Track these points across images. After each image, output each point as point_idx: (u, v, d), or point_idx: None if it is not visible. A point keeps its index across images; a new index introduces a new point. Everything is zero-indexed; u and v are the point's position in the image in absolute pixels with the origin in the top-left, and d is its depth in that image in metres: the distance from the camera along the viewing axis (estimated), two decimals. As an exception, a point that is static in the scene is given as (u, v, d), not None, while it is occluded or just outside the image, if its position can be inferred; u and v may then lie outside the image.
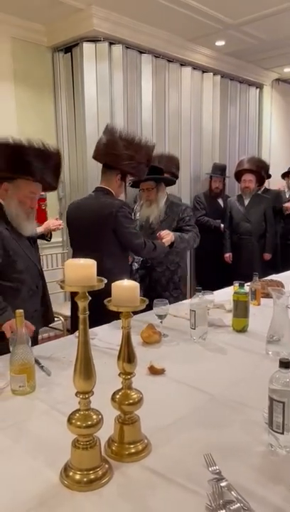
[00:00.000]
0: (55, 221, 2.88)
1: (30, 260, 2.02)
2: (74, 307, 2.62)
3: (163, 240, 2.53)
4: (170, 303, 2.17)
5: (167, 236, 2.55)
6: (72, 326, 2.59)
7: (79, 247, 2.49)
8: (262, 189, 4.89)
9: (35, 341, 2.04)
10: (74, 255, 2.50)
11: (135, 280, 2.83)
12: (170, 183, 3.04)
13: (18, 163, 1.89)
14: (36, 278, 2.07)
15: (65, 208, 4.37)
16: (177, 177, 4.33)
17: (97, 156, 2.52)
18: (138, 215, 2.89)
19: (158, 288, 2.84)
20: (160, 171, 2.83)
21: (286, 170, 5.06)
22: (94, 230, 2.36)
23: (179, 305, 2.41)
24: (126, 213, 2.38)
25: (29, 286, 2.01)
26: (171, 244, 2.57)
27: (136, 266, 2.89)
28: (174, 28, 4.20)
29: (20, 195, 1.95)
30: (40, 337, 3.53)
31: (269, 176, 4.84)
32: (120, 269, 2.30)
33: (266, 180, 4.88)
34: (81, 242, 2.46)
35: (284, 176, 5.01)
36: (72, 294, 2.31)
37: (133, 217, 2.56)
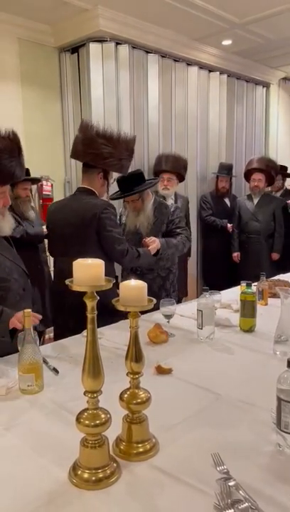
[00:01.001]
0: None
1: (11, 263, 1.87)
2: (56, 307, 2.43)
3: (149, 248, 2.43)
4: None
5: (153, 243, 2.45)
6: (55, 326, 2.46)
7: (61, 252, 2.35)
8: (282, 191, 4.90)
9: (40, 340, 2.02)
10: (57, 261, 2.41)
11: None
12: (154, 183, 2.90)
13: None
14: (22, 280, 1.91)
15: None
16: (183, 178, 4.34)
17: (75, 155, 2.42)
18: (123, 219, 2.77)
19: (150, 295, 2.71)
20: (140, 175, 2.66)
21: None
22: (77, 233, 2.24)
23: (186, 305, 2.41)
24: (110, 215, 2.26)
25: (15, 291, 1.85)
26: (157, 252, 2.46)
27: (118, 280, 2.68)
28: (180, 28, 4.20)
29: None
30: (47, 336, 3.57)
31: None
32: (106, 273, 2.18)
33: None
34: (64, 246, 2.30)
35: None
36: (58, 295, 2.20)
37: (117, 220, 2.47)
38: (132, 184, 2.57)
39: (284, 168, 5.01)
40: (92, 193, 2.33)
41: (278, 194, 4.91)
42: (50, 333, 3.84)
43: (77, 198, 2.35)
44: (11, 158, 1.73)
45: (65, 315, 2.24)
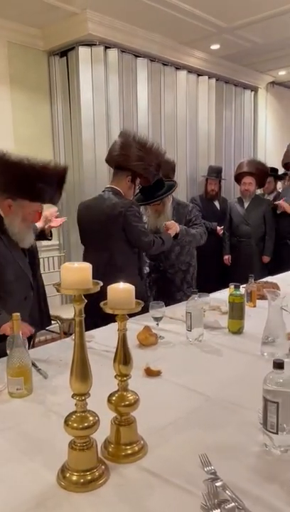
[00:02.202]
0: (51, 211, 2.78)
1: (21, 270, 1.96)
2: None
3: (169, 231, 2.64)
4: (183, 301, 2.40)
5: (172, 227, 2.67)
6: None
7: (90, 245, 2.59)
8: (276, 192, 4.94)
9: (30, 344, 2.03)
10: (86, 253, 2.66)
11: (147, 284, 2.90)
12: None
13: (25, 186, 1.84)
14: (26, 289, 2.00)
15: (61, 211, 4.37)
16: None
17: (109, 158, 2.61)
18: (145, 220, 2.89)
19: (173, 289, 2.97)
20: (160, 181, 2.83)
21: (281, 172, 5.09)
22: (104, 229, 2.44)
23: (175, 307, 2.43)
24: (135, 212, 2.46)
25: (18, 297, 1.93)
26: (176, 236, 2.67)
27: (147, 270, 2.93)
28: (169, 32, 4.24)
29: (24, 213, 1.92)
30: (37, 340, 3.56)
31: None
32: (130, 266, 2.48)
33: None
34: (92, 240, 2.54)
35: (279, 177, 5.03)
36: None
37: (141, 217, 2.65)
38: (153, 189, 2.76)
39: (275, 170, 5.04)
40: (118, 193, 2.51)
41: (271, 196, 4.93)
42: (40, 336, 3.83)
43: (104, 196, 2.53)
44: (54, 185, 1.91)
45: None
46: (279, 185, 5.18)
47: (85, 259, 2.60)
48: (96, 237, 2.49)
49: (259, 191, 4.88)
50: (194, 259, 3.09)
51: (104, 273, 2.18)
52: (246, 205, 4.51)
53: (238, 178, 4.60)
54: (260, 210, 4.45)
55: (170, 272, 2.95)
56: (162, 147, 3.39)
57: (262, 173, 4.53)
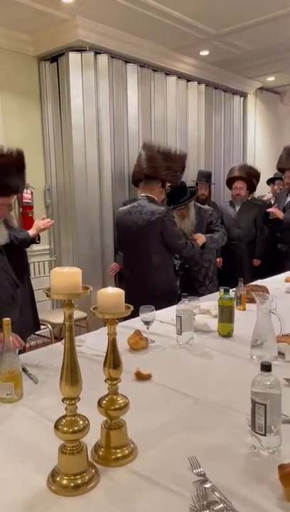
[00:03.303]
0: (43, 220, 2.91)
1: (1, 271, 1.92)
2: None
3: (197, 241, 3.02)
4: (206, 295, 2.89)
5: (199, 238, 3.04)
6: None
7: (129, 247, 2.96)
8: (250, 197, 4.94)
9: (21, 350, 2.03)
10: (126, 255, 3.06)
11: (177, 279, 3.30)
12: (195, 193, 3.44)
13: None
14: (10, 289, 1.96)
15: (52, 215, 4.39)
16: None
17: (138, 171, 2.95)
18: None
19: (196, 284, 3.33)
20: (183, 187, 3.18)
21: (271, 176, 5.14)
22: (144, 233, 2.80)
23: (166, 311, 2.44)
24: (170, 218, 2.82)
25: (3, 299, 1.89)
26: (203, 245, 3.04)
27: (176, 268, 3.30)
28: (159, 38, 4.27)
29: None
30: (27, 345, 3.54)
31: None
32: (166, 264, 2.88)
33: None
34: (132, 243, 2.89)
35: (269, 182, 5.08)
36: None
37: (175, 222, 2.98)
38: (178, 195, 3.14)
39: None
40: (153, 200, 2.86)
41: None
42: (30, 341, 3.81)
43: (142, 204, 2.86)
44: (13, 173, 1.86)
45: (142, 296, 2.72)
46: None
47: (125, 260, 3.03)
48: (136, 239, 2.84)
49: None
50: (214, 257, 3.52)
51: (144, 271, 2.83)
52: (237, 208, 4.55)
53: (229, 182, 4.64)
54: (251, 214, 4.50)
55: (194, 270, 3.33)
56: (182, 148, 3.87)
57: (253, 178, 4.58)
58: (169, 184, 2.99)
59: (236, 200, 4.56)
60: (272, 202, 4.90)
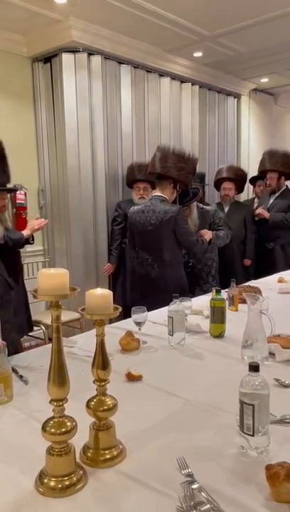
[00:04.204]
0: (37, 220, 2.91)
1: None
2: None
3: (205, 237, 3.12)
4: (209, 292, 2.92)
5: (206, 234, 3.15)
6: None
7: (142, 245, 3.06)
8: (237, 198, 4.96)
9: (16, 351, 2.01)
10: (139, 252, 3.11)
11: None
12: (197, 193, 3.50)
13: None
14: (2, 289, 1.95)
15: (45, 216, 4.38)
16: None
17: (152, 170, 3.04)
18: None
19: (200, 281, 3.43)
20: (185, 190, 3.23)
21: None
22: (157, 230, 2.94)
23: (158, 312, 2.44)
24: (182, 216, 2.96)
25: None
26: (209, 241, 3.15)
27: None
28: (152, 40, 4.28)
29: None
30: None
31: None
32: (177, 261, 3.03)
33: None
34: (145, 240, 3.03)
35: (252, 181, 5.08)
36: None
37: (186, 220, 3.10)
38: (180, 196, 3.18)
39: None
40: (165, 200, 2.99)
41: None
42: (24, 342, 3.80)
43: (155, 203, 3.00)
44: (2, 166, 1.76)
45: (154, 292, 2.86)
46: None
47: (138, 257, 3.09)
48: (149, 237, 2.98)
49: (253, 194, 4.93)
50: (216, 255, 3.59)
51: (156, 267, 2.98)
52: (226, 209, 4.57)
53: (217, 183, 4.66)
54: (240, 214, 4.52)
55: (197, 267, 3.43)
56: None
57: (241, 179, 4.61)
58: (179, 186, 3.07)
59: (225, 201, 4.58)
60: (255, 202, 4.93)
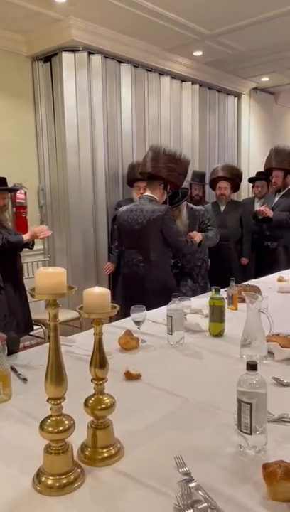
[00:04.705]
0: (41, 228, 2.88)
1: None
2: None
3: (194, 239, 3.10)
4: (199, 292, 3.10)
5: (196, 236, 3.12)
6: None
7: (130, 244, 3.03)
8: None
9: (12, 351, 2.01)
10: (125, 252, 3.09)
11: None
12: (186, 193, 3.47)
13: None
14: None
15: (45, 215, 4.38)
16: None
17: (143, 170, 3.01)
18: None
19: (190, 282, 3.40)
20: (177, 190, 3.20)
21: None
22: (144, 230, 2.90)
23: (158, 311, 2.44)
24: (170, 216, 2.92)
25: None
26: (199, 243, 3.12)
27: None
28: (152, 39, 4.27)
29: None
30: (21, 345, 3.53)
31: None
32: (163, 262, 2.99)
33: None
34: (132, 240, 2.99)
35: (251, 180, 5.06)
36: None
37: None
38: (170, 197, 3.15)
39: (264, 173, 5.01)
40: (154, 200, 2.97)
41: (261, 201, 4.88)
42: (24, 341, 3.81)
43: (143, 203, 2.98)
44: None
45: (139, 293, 2.85)
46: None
47: (125, 257, 3.07)
48: (136, 236, 2.94)
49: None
50: (206, 255, 3.57)
51: (142, 268, 2.93)
52: (222, 208, 4.57)
53: (213, 183, 4.66)
54: (237, 213, 4.51)
55: (187, 268, 3.38)
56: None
57: (237, 178, 4.59)
58: (169, 188, 3.05)
59: (221, 200, 4.58)
60: (255, 201, 4.91)
